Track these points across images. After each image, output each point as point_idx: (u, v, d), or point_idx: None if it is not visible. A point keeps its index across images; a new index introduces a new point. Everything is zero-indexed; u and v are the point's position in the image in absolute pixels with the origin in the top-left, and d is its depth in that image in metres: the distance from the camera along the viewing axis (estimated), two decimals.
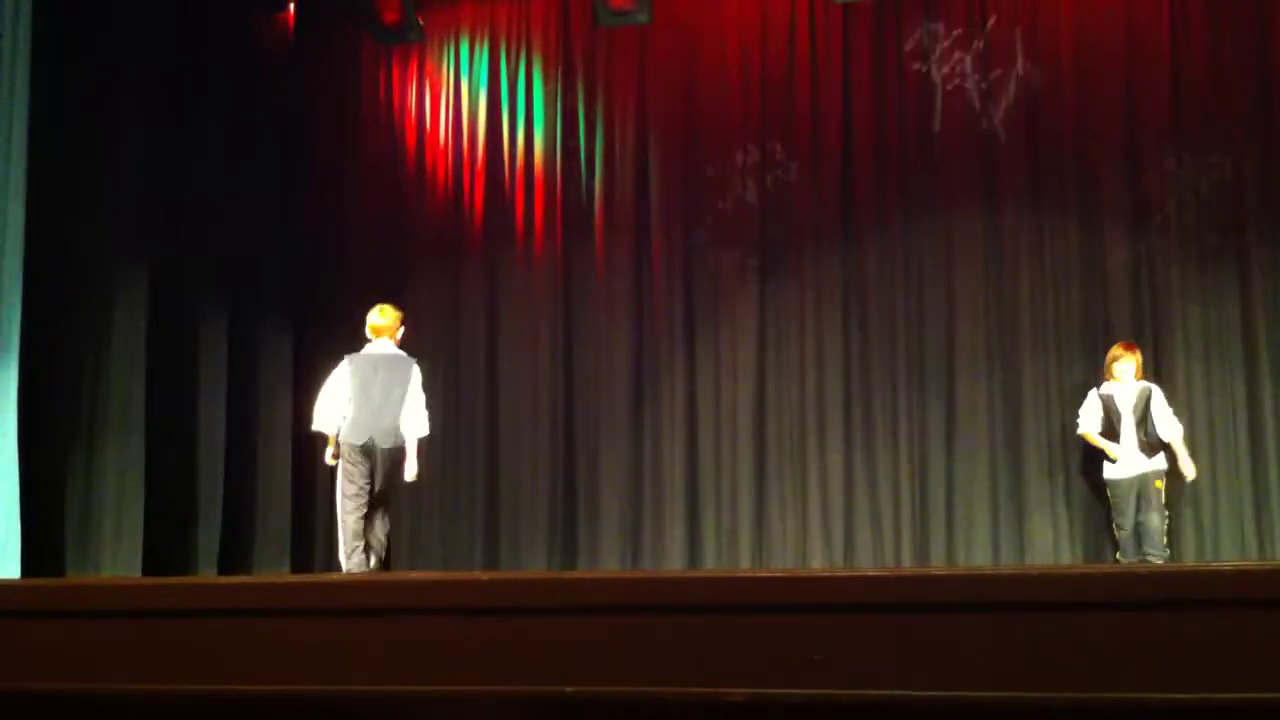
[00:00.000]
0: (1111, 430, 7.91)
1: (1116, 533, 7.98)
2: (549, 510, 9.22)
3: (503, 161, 9.72)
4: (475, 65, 9.91)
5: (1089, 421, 8.02)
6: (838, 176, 9.19)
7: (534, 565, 9.01)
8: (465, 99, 9.90)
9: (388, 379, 7.05)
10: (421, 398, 7.11)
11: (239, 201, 9.06)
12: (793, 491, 8.93)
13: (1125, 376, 7.93)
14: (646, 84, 9.59)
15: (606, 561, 9.03)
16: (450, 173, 9.82)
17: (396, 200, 9.84)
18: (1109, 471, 7.95)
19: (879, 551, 8.73)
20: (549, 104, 9.71)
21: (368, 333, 7.24)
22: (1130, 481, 7.84)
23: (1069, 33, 8.92)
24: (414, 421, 7.06)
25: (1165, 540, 7.75)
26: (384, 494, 7.11)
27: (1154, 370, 8.38)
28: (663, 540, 8.99)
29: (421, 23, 9.71)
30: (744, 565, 8.80)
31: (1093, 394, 8.05)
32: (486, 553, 9.19)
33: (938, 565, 8.35)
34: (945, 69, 9.07)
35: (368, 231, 9.80)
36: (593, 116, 9.63)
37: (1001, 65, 8.99)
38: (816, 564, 8.68)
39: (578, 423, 9.33)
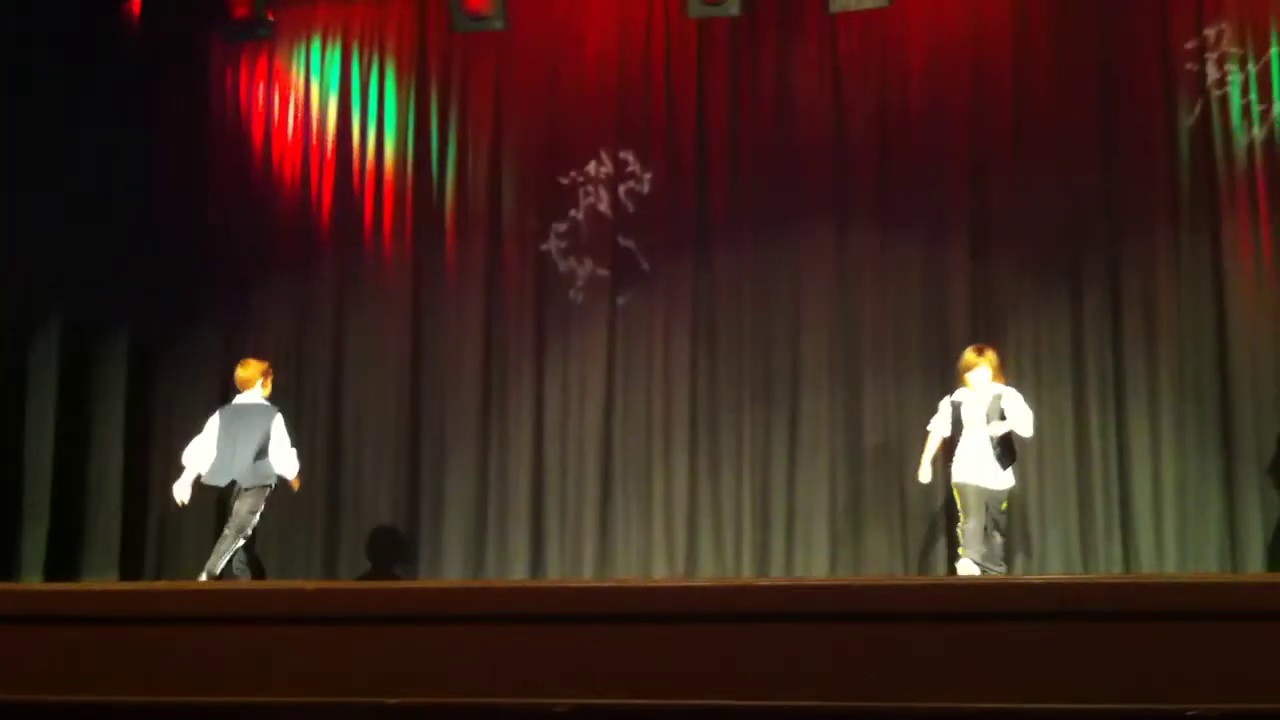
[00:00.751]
0: (957, 437, 7.77)
1: (961, 535, 7.69)
2: (390, 519, 9.10)
3: (353, 164, 9.59)
4: (327, 65, 9.76)
5: (938, 427, 7.86)
6: (692, 189, 9.27)
7: (375, 577, 8.89)
8: (315, 100, 9.74)
9: (246, 427, 7.62)
10: (285, 441, 7.68)
11: (76, 204, 8.78)
12: (637, 503, 8.97)
13: (980, 383, 7.72)
14: (502, 91, 9.55)
15: (448, 571, 8.95)
16: (298, 175, 9.64)
17: (243, 202, 9.63)
18: (959, 476, 7.71)
19: (720, 564, 8.81)
20: (402, 107, 9.60)
21: (235, 384, 7.87)
22: (978, 491, 7.64)
23: (918, 53, 9.12)
24: (281, 464, 7.67)
25: (1002, 555, 7.77)
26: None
27: None
28: (506, 550, 8.95)
29: (272, 20, 9.52)
30: (587, 575, 8.80)
31: (945, 402, 7.88)
32: (325, 563, 9.03)
33: (775, 576, 8.48)
34: (798, 85, 9.22)
35: (212, 234, 9.57)
36: (446, 121, 9.56)
37: (852, 83, 9.17)
38: (659, 575, 8.73)
39: (424, 430, 9.23)
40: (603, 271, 9.27)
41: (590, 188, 9.34)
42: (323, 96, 9.71)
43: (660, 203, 9.28)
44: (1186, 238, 8.67)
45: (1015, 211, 8.86)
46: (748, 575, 8.64)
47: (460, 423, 9.20)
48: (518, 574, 8.77)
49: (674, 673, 3.12)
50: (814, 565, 8.69)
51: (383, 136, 9.59)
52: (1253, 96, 8.75)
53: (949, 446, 7.84)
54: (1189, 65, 8.83)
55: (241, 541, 7.51)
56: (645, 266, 9.24)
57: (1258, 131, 8.72)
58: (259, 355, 8.20)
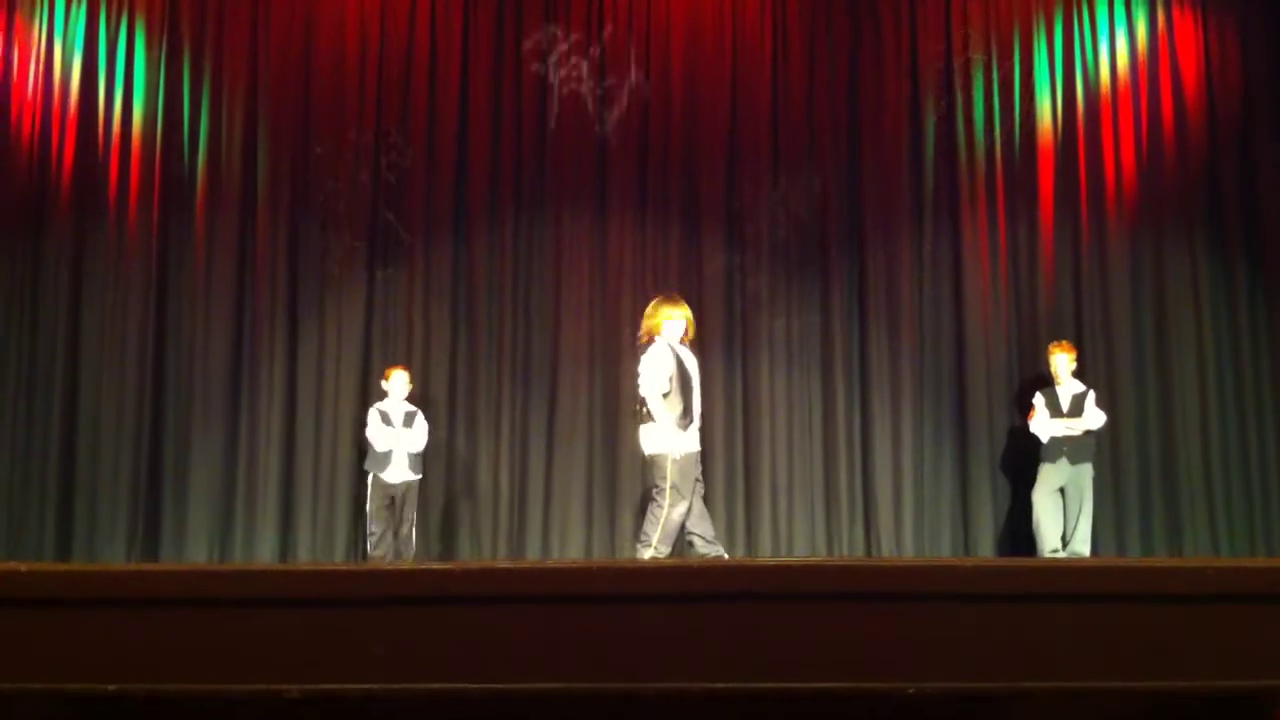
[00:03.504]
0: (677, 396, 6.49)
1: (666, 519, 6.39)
2: (131, 500, 8.68)
3: (98, 129, 9.06)
4: (71, 23, 9.20)
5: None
6: (452, 167, 9.17)
7: (113, 558, 8.48)
8: (59, 59, 9.16)
9: None
10: (372, 431, 8.22)
11: None
12: None
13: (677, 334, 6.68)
14: (258, 58, 9.21)
15: (193, 555, 8.62)
16: (37, 137, 9.04)
17: None
18: (684, 444, 6.47)
19: (476, 546, 8.76)
20: (151, 71, 9.15)
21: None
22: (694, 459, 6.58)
23: (680, 49, 9.28)
24: (371, 457, 8.20)
25: None
26: None
27: (741, 376, 8.90)
28: (254, 532, 8.67)
29: None
30: (339, 559, 8.62)
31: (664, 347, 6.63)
32: (59, 544, 8.55)
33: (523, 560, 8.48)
34: (562, 72, 9.23)
35: None
36: (199, 87, 9.16)
37: (615, 74, 9.24)
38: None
39: (167, 408, 8.84)
40: (361, 245, 9.07)
41: (350, 158, 9.11)
42: (65, 56, 9.14)
43: (421, 179, 9.14)
44: (929, 235, 9.09)
45: (768, 204, 9.12)
46: (504, 557, 8.62)
47: (207, 400, 8.84)
48: (265, 558, 8.51)
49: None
50: (570, 547, 8.73)
51: (130, 100, 9.11)
52: (995, 101, 9.22)
53: None
54: (936, 67, 9.23)
55: (374, 524, 8.15)
56: (406, 240, 9.08)
57: (998, 134, 9.19)
58: None
